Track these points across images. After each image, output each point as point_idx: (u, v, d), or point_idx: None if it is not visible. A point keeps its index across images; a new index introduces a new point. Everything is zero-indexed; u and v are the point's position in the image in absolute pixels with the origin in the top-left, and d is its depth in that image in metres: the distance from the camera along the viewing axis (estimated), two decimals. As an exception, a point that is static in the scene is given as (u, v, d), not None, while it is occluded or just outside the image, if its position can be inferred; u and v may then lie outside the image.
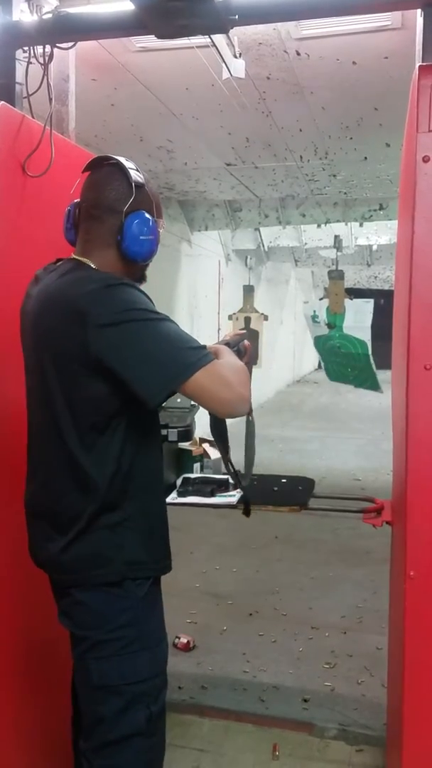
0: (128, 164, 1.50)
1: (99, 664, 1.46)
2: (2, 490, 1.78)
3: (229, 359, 1.52)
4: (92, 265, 1.49)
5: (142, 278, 1.62)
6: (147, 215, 1.49)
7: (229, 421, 1.59)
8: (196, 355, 1.37)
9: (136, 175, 1.50)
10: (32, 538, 1.59)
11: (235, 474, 1.73)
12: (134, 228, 1.47)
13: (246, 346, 1.83)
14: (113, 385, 1.39)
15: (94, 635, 1.46)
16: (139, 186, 1.50)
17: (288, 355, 14.38)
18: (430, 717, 1.59)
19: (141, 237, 1.48)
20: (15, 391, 1.74)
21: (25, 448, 1.62)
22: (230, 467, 1.72)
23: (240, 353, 1.80)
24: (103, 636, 1.45)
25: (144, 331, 1.37)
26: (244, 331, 1.91)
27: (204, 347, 1.41)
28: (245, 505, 1.77)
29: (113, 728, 1.47)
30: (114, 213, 1.49)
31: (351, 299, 6.45)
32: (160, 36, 1.84)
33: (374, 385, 6.71)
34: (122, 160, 1.51)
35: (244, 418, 1.92)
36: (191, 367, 1.35)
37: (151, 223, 1.50)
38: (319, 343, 6.89)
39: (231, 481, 1.75)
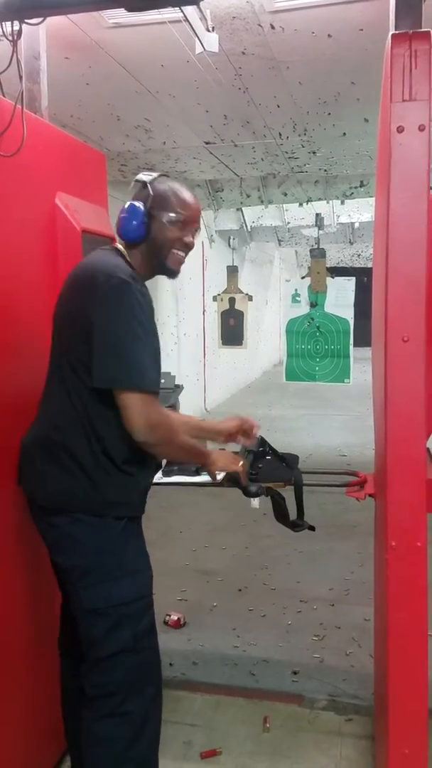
0: (147, 172, 1.82)
1: (87, 591, 1.69)
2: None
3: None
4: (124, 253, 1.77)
5: (169, 271, 1.83)
6: (136, 203, 1.75)
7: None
8: (147, 379, 1.63)
9: (143, 175, 1.78)
10: (22, 466, 1.79)
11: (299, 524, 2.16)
12: (123, 210, 1.77)
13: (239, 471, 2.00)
14: None
15: (81, 563, 1.69)
16: (142, 183, 1.77)
17: (274, 335, 14.35)
18: (413, 684, 1.62)
19: (121, 215, 1.75)
20: (11, 355, 1.86)
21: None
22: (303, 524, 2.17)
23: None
24: (89, 564, 1.68)
25: (126, 335, 1.61)
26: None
27: (156, 383, 1.68)
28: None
29: (103, 646, 1.70)
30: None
31: (333, 278, 6.45)
32: (129, 9, 1.81)
33: (342, 374, 6.64)
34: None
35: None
36: (137, 384, 1.61)
37: (136, 209, 1.74)
38: (294, 325, 6.79)
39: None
